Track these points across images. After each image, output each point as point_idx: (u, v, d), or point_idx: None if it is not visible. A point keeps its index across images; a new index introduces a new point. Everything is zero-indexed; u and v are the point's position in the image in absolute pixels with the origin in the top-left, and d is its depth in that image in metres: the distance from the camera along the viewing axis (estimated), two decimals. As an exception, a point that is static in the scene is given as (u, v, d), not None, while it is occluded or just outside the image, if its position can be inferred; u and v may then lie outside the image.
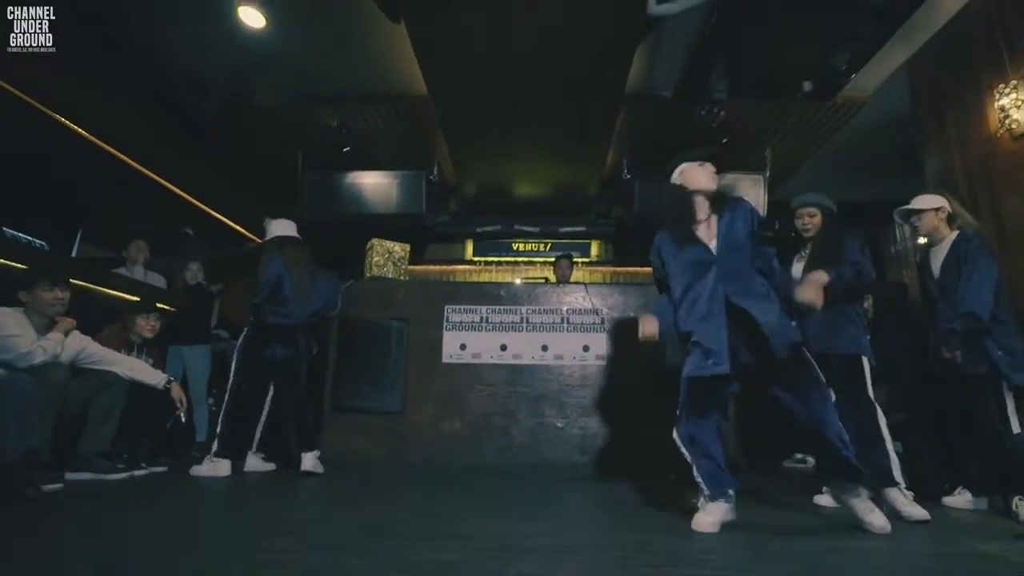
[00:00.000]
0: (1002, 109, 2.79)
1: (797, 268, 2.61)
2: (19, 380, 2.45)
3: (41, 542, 1.63)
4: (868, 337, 2.54)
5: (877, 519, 1.93)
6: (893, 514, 2.14)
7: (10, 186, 4.04)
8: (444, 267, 6.92)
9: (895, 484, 2.28)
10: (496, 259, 6.81)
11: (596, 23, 3.17)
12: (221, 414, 3.24)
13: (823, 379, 1.99)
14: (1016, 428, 2.34)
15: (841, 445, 1.90)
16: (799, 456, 4.90)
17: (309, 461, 3.19)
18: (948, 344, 2.37)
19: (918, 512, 2.17)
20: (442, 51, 3.51)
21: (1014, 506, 2.28)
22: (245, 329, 3.38)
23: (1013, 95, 2.74)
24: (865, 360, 2.46)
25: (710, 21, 2.86)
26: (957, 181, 3.18)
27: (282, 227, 3.54)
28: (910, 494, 2.28)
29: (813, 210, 2.63)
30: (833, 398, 1.98)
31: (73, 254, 5.24)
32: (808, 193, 2.70)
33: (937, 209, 2.51)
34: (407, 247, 4.59)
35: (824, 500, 2.44)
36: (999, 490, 2.44)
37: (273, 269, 3.28)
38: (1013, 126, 2.75)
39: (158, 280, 4.53)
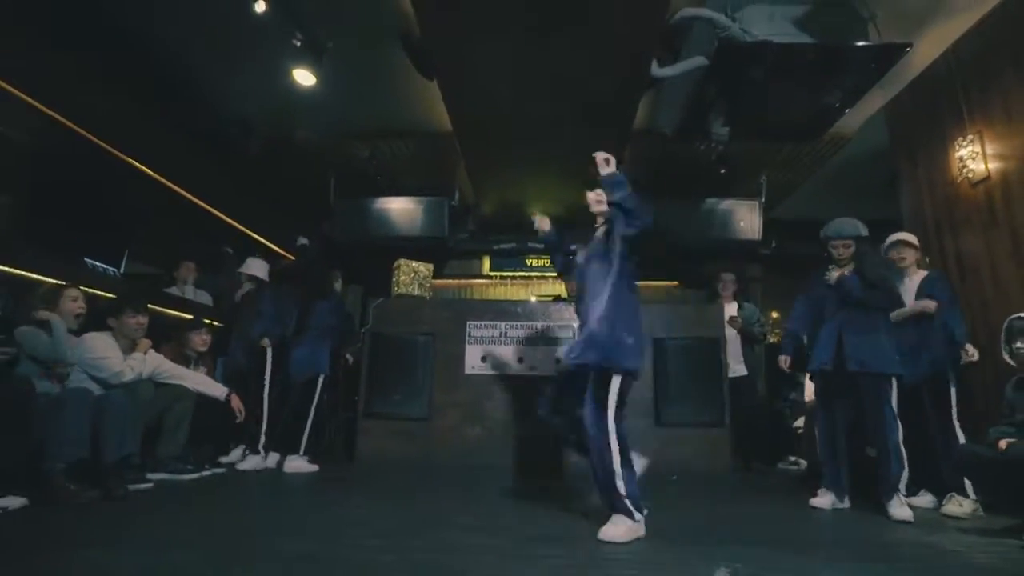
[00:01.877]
0: (961, 159, 3.18)
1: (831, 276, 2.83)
2: (114, 395, 2.89)
3: (166, 530, 2.06)
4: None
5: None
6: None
7: (76, 214, 4.50)
8: (463, 281, 7.36)
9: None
10: (511, 274, 7.24)
11: (606, 79, 3.59)
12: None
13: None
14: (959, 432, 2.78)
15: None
16: (792, 459, 5.28)
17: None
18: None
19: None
20: (467, 100, 3.94)
21: (945, 501, 2.72)
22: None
23: (970, 147, 3.13)
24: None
25: (707, 81, 3.26)
26: (927, 217, 3.57)
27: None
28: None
29: (848, 241, 2.79)
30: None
31: (121, 270, 5.66)
32: (841, 222, 2.83)
33: (918, 248, 2.99)
34: (431, 267, 5.02)
35: (820, 502, 2.80)
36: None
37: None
38: (970, 175, 3.14)
39: (204, 298, 4.96)
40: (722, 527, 2.38)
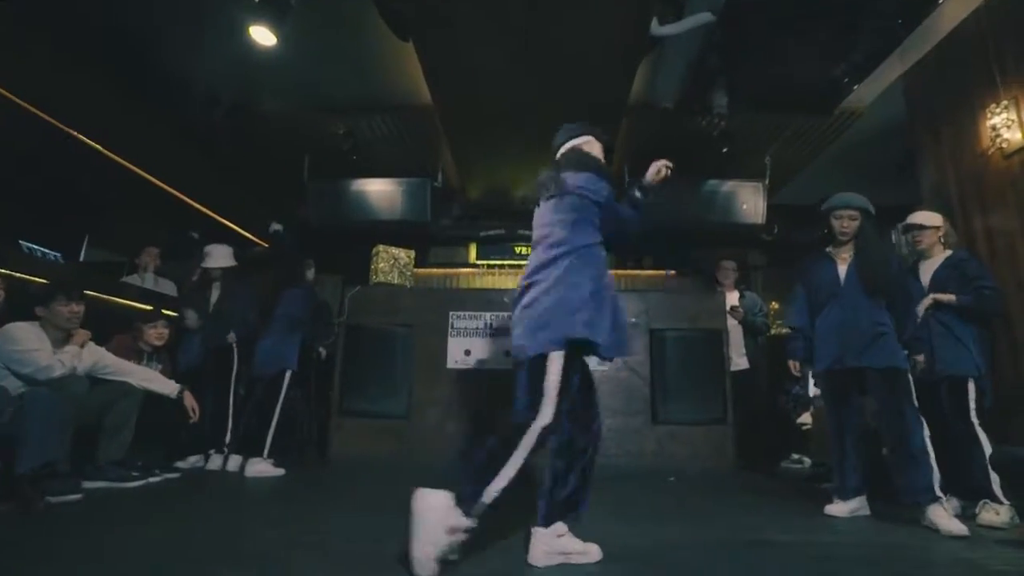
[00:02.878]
0: (993, 128, 2.87)
1: (843, 269, 2.56)
2: (39, 394, 2.53)
3: (61, 551, 1.71)
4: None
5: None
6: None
7: (23, 197, 4.11)
8: (448, 270, 6.99)
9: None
10: (499, 262, 6.88)
11: (601, 39, 3.24)
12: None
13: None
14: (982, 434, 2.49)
15: None
16: (795, 457, 5.01)
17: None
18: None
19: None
20: (447, 66, 3.58)
21: (978, 509, 2.42)
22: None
23: (1004, 115, 2.81)
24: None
25: (711, 40, 2.92)
26: (951, 194, 3.26)
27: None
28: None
29: (855, 212, 2.55)
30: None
31: (80, 259, 5.29)
32: (848, 194, 2.61)
33: (937, 227, 2.66)
34: (412, 253, 4.67)
35: (836, 510, 2.50)
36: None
37: None
38: (1004, 145, 2.82)
39: (168, 287, 4.58)
40: (729, 538, 2.06)
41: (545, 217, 1.85)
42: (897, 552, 2.02)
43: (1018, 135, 2.76)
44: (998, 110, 2.86)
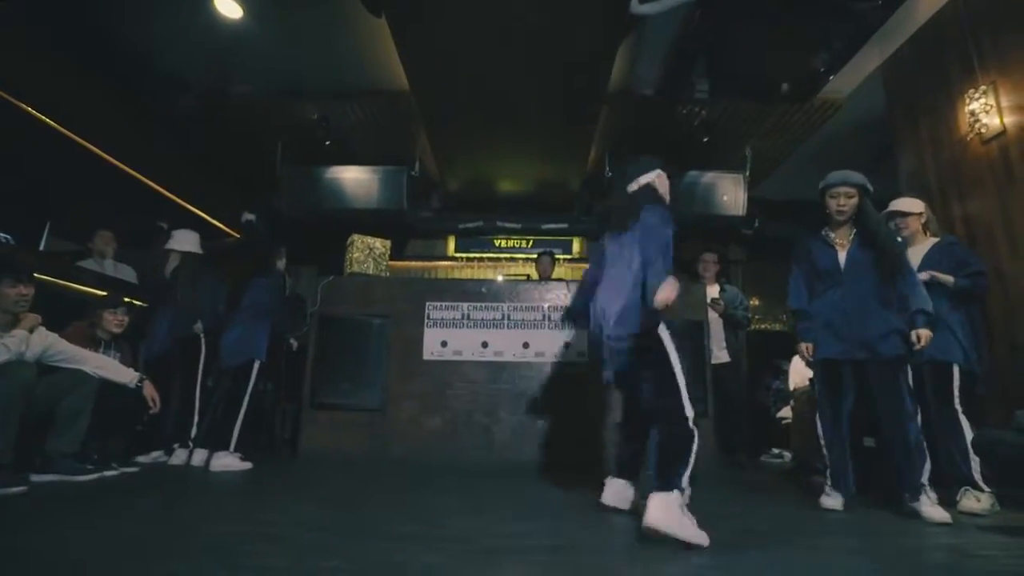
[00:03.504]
0: (972, 114, 2.86)
1: (842, 255, 2.46)
2: (-20, 380, 2.36)
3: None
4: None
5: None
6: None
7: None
8: (426, 263, 6.86)
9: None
10: (478, 255, 6.77)
11: (579, 21, 3.17)
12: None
13: None
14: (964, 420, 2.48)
15: None
16: (775, 451, 5.00)
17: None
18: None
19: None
20: (424, 47, 3.47)
21: (959, 496, 2.42)
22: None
23: (983, 100, 2.81)
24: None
25: (691, 22, 2.87)
26: (929, 181, 3.26)
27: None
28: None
29: (852, 190, 2.43)
30: None
31: (41, 248, 5.07)
32: (844, 171, 2.49)
33: (919, 214, 2.63)
34: (388, 243, 4.55)
35: (830, 502, 2.43)
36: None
37: None
38: (982, 130, 2.82)
39: (127, 272, 4.39)
40: (721, 528, 1.99)
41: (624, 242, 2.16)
42: (881, 540, 1.98)
43: (996, 120, 2.75)
44: (976, 95, 2.85)
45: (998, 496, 2.42)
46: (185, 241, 3.90)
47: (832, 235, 2.52)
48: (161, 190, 5.11)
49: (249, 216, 5.14)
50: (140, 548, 1.60)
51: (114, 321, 3.32)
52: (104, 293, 3.84)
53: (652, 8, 2.87)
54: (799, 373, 4.98)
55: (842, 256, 2.45)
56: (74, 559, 1.49)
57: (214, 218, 5.50)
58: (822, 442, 2.53)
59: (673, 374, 2.00)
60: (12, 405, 2.44)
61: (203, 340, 3.74)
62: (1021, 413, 2.15)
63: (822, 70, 3.38)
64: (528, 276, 5.28)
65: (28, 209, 5.02)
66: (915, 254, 2.65)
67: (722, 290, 4.64)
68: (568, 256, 6.76)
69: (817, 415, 2.55)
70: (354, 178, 4.65)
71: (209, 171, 5.30)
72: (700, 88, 3.42)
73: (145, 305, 3.92)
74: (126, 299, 3.60)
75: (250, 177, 5.20)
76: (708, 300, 4.39)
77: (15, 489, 2.33)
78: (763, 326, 6.90)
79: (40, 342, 2.77)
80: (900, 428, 2.30)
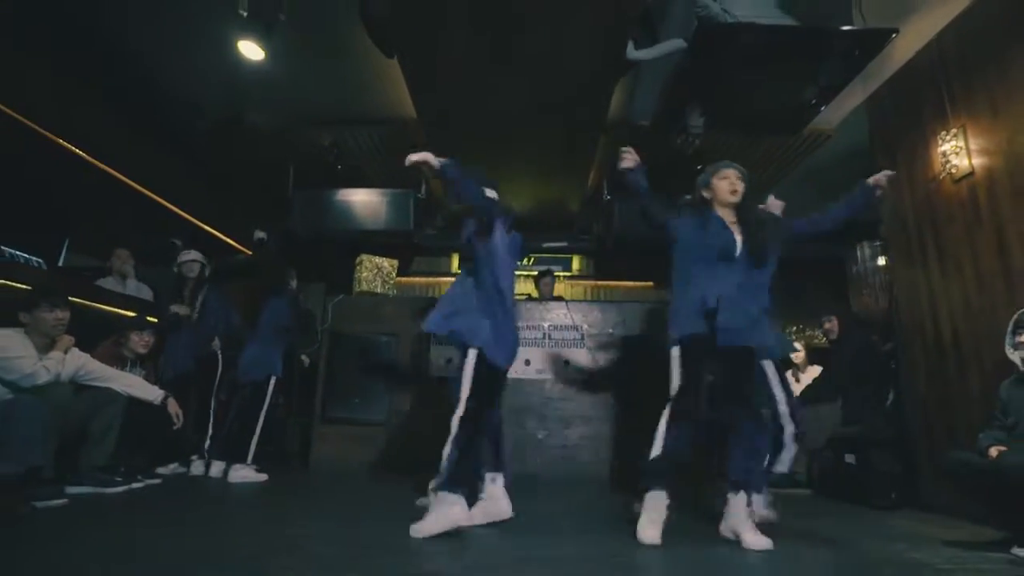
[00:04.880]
0: (943, 155, 3.07)
1: (739, 239, 2.32)
2: (24, 400, 2.56)
3: (52, 557, 1.76)
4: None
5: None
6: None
7: (2, 202, 4.11)
8: (430, 279, 7.08)
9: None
10: (481, 271, 6.95)
11: (580, 60, 3.39)
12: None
13: None
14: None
15: None
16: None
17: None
18: None
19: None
20: (432, 81, 3.69)
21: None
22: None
23: (953, 142, 3.01)
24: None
25: (683, 66, 3.08)
26: (907, 215, 3.46)
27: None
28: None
29: (742, 174, 2.41)
30: None
31: (60, 264, 5.27)
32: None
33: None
34: (395, 263, 4.77)
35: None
36: None
37: None
38: (953, 170, 3.02)
39: (145, 292, 4.60)
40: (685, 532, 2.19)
41: None
42: (849, 554, 2.16)
43: (966, 161, 2.96)
44: (948, 137, 3.06)
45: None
46: (193, 256, 4.13)
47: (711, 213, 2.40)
48: (176, 209, 5.32)
49: (260, 234, 5.35)
50: (169, 555, 1.79)
51: (141, 342, 3.51)
52: (126, 312, 4.05)
53: (646, 55, 3.08)
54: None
55: (739, 239, 2.31)
56: (125, 568, 1.68)
57: (227, 236, 5.72)
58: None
59: None
60: (53, 424, 2.63)
61: (219, 356, 3.93)
62: (983, 436, 2.34)
63: (810, 106, 3.56)
64: (529, 295, 5.48)
65: (48, 227, 5.23)
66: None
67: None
68: (568, 273, 6.97)
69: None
70: (363, 200, 4.86)
71: (223, 192, 5.52)
72: (693, 123, 3.62)
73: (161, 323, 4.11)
74: (150, 319, 3.81)
75: (263, 198, 5.41)
76: (702, 319, 4.59)
77: (57, 502, 2.52)
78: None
79: (74, 363, 2.97)
80: (743, 421, 2.24)
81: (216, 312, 3.98)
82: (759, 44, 2.79)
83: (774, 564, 1.94)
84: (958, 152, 2.98)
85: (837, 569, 1.95)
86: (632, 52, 3.10)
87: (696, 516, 2.53)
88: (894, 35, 2.71)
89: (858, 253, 5.28)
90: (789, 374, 5.15)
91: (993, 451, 2.16)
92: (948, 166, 3.04)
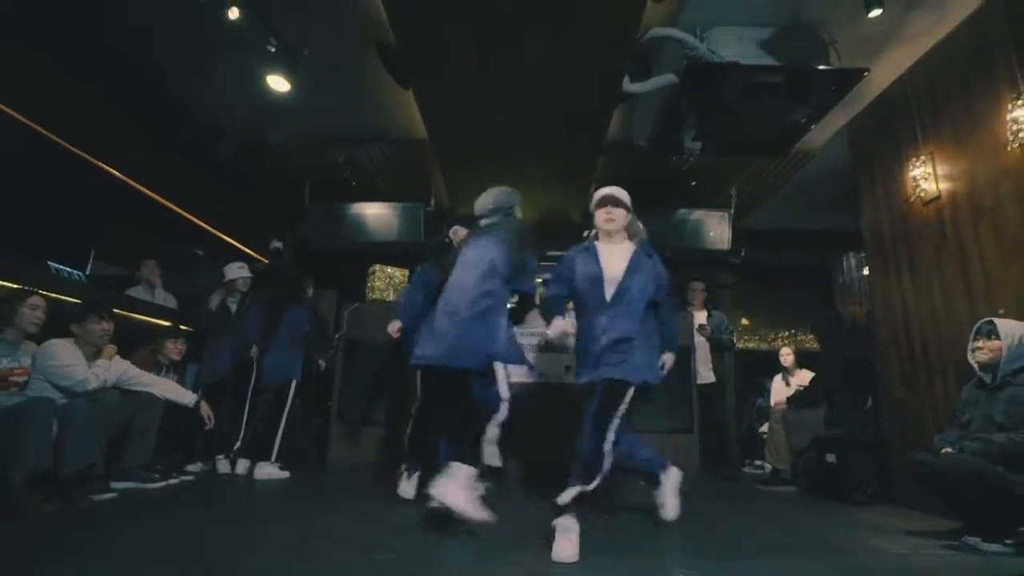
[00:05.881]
0: (914, 179, 3.33)
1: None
2: (78, 404, 2.83)
3: (116, 541, 2.04)
4: None
5: None
6: None
7: (41, 219, 4.39)
8: (437, 286, 7.31)
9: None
10: (485, 278, 7.22)
11: (580, 90, 3.66)
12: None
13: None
14: None
15: None
16: (758, 463, 5.44)
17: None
18: None
19: None
20: (442, 105, 3.96)
21: None
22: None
23: (922, 168, 3.28)
24: None
25: (677, 98, 3.36)
26: (883, 232, 3.73)
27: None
28: None
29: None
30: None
31: (87, 272, 5.55)
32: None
33: (629, 208, 2.63)
34: (406, 272, 5.05)
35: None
36: None
37: None
38: (923, 194, 3.29)
39: (171, 301, 4.88)
40: (668, 529, 2.46)
41: None
42: (812, 540, 2.43)
43: (933, 186, 3.23)
44: (918, 163, 3.32)
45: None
46: (238, 268, 4.41)
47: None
48: (197, 221, 5.61)
49: (277, 244, 5.64)
50: (212, 546, 2.06)
51: (175, 349, 3.80)
52: (155, 320, 4.34)
53: (641, 88, 3.35)
54: (778, 391, 5.44)
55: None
56: (185, 551, 1.96)
57: (246, 246, 6.01)
58: None
59: None
60: (103, 424, 2.91)
61: (255, 363, 4.17)
62: (938, 438, 2.60)
63: (795, 131, 3.84)
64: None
65: (76, 238, 5.51)
66: (613, 252, 2.48)
67: (709, 316, 5.09)
68: (569, 279, 7.24)
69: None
70: (375, 213, 5.14)
71: (242, 205, 5.81)
72: (689, 146, 3.89)
73: (193, 331, 4.39)
74: (183, 328, 4.09)
75: (280, 211, 5.70)
76: (696, 326, 4.85)
77: (108, 495, 2.81)
78: (751, 345, 7.37)
79: (117, 369, 3.26)
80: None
81: (255, 321, 4.21)
82: (744, 81, 3.07)
83: (752, 552, 2.21)
84: (927, 177, 3.25)
85: (805, 554, 2.21)
86: (628, 85, 3.38)
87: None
88: (865, 74, 2.98)
89: (844, 263, 5.55)
90: (779, 378, 5.46)
91: (944, 451, 2.43)
92: (918, 189, 3.31)
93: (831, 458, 3.77)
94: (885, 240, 3.69)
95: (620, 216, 2.52)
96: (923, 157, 3.30)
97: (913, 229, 3.41)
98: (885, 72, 3.56)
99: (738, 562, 2.02)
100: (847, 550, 2.28)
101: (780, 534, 2.53)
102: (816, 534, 2.55)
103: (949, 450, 2.39)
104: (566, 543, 1.92)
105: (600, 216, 2.55)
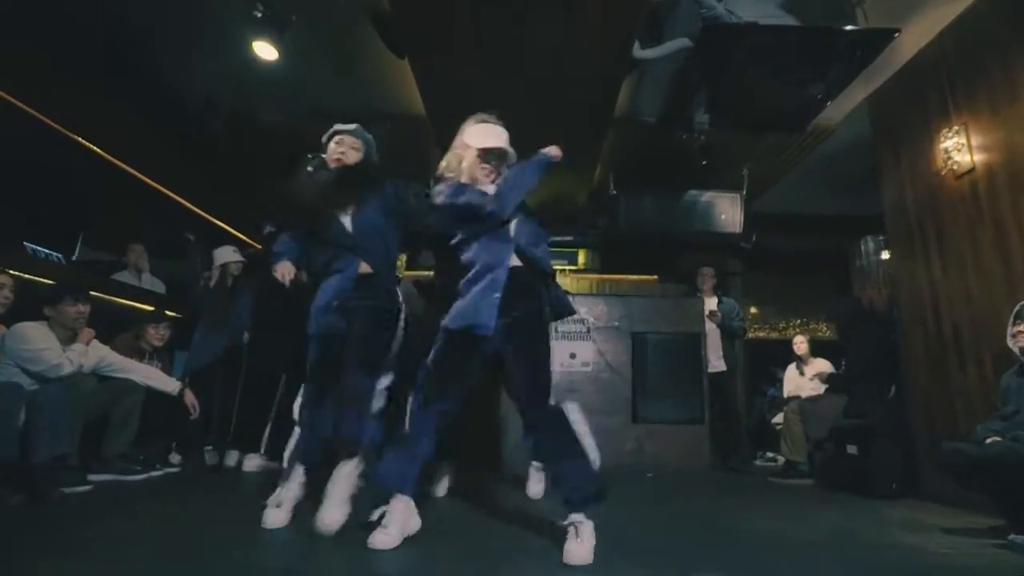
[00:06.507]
0: (946, 151, 3.11)
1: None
2: (50, 391, 2.65)
3: (83, 539, 1.86)
4: None
5: None
6: None
7: (21, 199, 4.20)
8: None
9: None
10: (487, 264, 7.03)
11: (587, 58, 3.43)
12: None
13: None
14: None
15: None
16: (770, 455, 5.26)
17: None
18: None
19: None
20: (440, 78, 3.75)
21: None
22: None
23: (955, 139, 3.06)
24: None
25: (690, 65, 3.14)
26: (909, 210, 3.51)
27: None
28: None
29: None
30: None
31: (74, 257, 5.36)
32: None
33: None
34: (404, 256, 4.83)
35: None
36: None
37: None
38: (955, 167, 3.07)
39: (158, 286, 4.70)
40: (682, 524, 2.27)
41: None
42: (851, 539, 2.24)
43: (967, 158, 3.00)
44: (950, 134, 3.10)
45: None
46: (229, 252, 4.20)
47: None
48: (187, 204, 5.41)
49: (270, 227, 5.43)
50: (198, 537, 1.88)
51: (156, 335, 3.61)
52: (141, 305, 4.15)
53: (652, 53, 3.13)
54: (792, 381, 5.25)
55: None
56: (183, 545, 1.77)
57: (237, 231, 5.81)
58: None
59: None
60: (77, 413, 2.73)
61: (246, 349, 3.98)
62: (981, 427, 2.40)
63: (814, 104, 3.61)
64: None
65: (63, 222, 5.32)
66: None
67: (720, 302, 4.90)
68: (574, 267, 7.03)
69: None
70: (372, 195, 4.92)
71: (234, 187, 5.59)
72: (699, 120, 3.67)
73: (181, 317, 4.20)
74: (168, 313, 3.90)
75: (273, 193, 5.48)
76: (706, 312, 4.66)
77: (82, 488, 2.63)
78: (761, 334, 7.16)
79: (95, 355, 3.07)
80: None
81: (246, 308, 4.03)
82: (763, 44, 2.84)
83: (775, 549, 2.01)
84: (960, 149, 3.03)
85: (838, 552, 2.02)
86: (638, 51, 3.16)
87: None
88: (896, 34, 2.75)
89: (862, 247, 5.33)
90: (792, 367, 5.26)
91: (989, 440, 2.22)
92: (950, 162, 3.08)
93: (852, 449, 3.58)
94: (910, 217, 3.46)
95: None
96: (956, 127, 3.08)
97: (944, 204, 3.19)
98: (913, 38, 3.32)
99: (769, 563, 1.83)
100: (884, 548, 2.08)
101: (806, 530, 2.33)
102: (848, 532, 2.36)
103: (997, 439, 2.18)
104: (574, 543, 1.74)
105: None
